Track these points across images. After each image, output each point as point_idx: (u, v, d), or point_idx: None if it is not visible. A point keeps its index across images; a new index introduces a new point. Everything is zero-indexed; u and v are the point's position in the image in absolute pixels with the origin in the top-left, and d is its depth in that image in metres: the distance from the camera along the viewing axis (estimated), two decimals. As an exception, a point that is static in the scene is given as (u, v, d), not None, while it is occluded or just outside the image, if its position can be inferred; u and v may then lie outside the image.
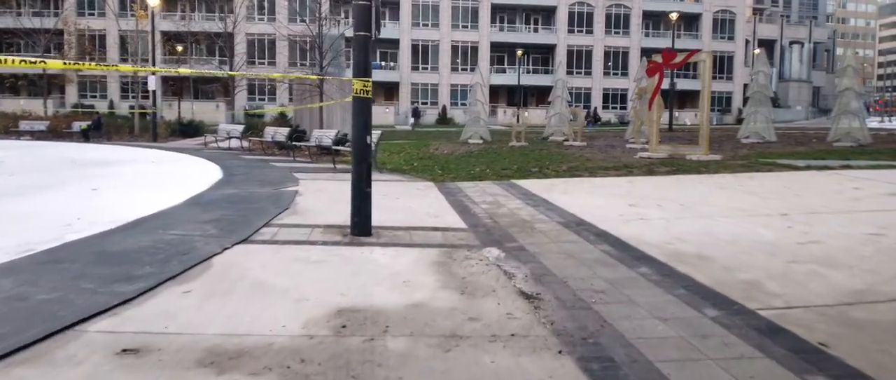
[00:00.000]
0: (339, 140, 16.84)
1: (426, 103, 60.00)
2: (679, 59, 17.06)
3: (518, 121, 27.63)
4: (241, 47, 54.77)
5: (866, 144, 22.45)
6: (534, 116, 54.43)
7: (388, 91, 60.77)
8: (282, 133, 22.03)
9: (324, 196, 9.91)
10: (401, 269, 5.42)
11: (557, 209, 8.65)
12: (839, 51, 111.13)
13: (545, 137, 29.91)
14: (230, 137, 24.78)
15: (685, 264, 5.61)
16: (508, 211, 8.56)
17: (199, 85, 62.54)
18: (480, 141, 28.13)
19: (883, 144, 22.39)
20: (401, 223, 7.56)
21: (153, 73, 33.10)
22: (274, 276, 5.15)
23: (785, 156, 18.21)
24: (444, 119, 57.94)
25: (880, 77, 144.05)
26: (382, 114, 56.70)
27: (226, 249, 6.07)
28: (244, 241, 6.47)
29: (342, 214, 7.48)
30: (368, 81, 6.61)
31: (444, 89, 59.81)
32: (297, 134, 21.90)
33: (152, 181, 12.85)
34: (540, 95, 60.19)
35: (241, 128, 25.83)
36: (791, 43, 72.17)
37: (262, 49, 58.63)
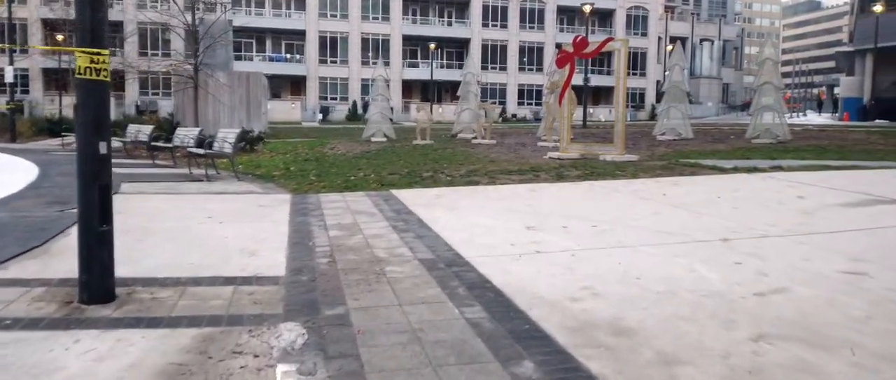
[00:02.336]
0: (201, 141, 14.07)
1: (335, 98, 57.00)
2: (592, 47, 15.17)
3: (423, 117, 25.33)
4: (132, 37, 50.43)
5: (786, 140, 21.36)
6: (448, 111, 52.34)
7: (295, 85, 57.40)
8: (145, 132, 18.91)
9: (133, 223, 7.25)
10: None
11: (430, 236, 6.37)
12: (748, 49, 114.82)
13: (454, 135, 27.78)
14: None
15: (598, 349, 3.42)
16: (362, 242, 6.20)
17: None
18: (384, 139, 25.75)
19: (803, 141, 21.34)
20: (185, 270, 5.07)
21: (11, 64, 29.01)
22: None
23: (706, 155, 16.65)
24: (354, 115, 55.09)
25: (785, 75, 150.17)
26: (288, 110, 53.42)
27: None
28: None
29: (127, 258, 4.92)
30: (102, 56, 4.08)
31: (355, 84, 56.94)
32: (166, 134, 18.91)
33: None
34: (454, 91, 58.03)
35: (103, 125, 22.42)
36: (701, 40, 73.04)
37: (155, 39, 54.14)
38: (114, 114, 48.64)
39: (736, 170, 12.21)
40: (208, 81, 24.09)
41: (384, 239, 6.28)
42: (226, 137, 12.95)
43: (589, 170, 12.56)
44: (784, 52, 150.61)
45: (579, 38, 15.19)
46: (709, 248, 5.86)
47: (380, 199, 8.99)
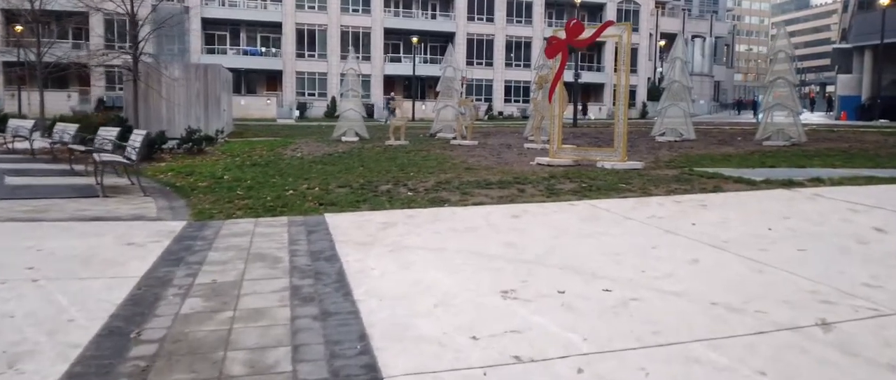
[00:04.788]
0: (82, 138, 11.49)
1: (313, 94, 54.25)
2: (588, 33, 12.71)
3: (398, 114, 22.81)
4: (98, 29, 47.41)
5: (801, 142, 19.05)
6: (431, 109, 49.74)
7: (271, 80, 54.57)
8: (70, 131, 16.23)
9: None
10: None
11: (344, 315, 3.89)
12: (738, 47, 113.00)
13: (433, 134, 25.29)
14: (17, 136, 18.69)
15: None
16: (224, 329, 3.70)
17: (52, 72, 54.17)
18: (356, 139, 23.28)
19: (819, 144, 19.03)
20: None
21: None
22: None
23: (718, 161, 14.27)
24: (333, 112, 52.31)
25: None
26: (263, 106, 50.56)
27: None
28: None
29: None
30: None
31: (334, 79, 54.07)
32: (90, 134, 16.27)
33: None
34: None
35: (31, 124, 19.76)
36: (693, 37, 70.87)
37: (122, 30, 51.10)
38: (71, 110, 45.70)
39: (768, 183, 9.80)
40: (153, 74, 21.46)
41: (264, 321, 3.79)
42: (135, 140, 10.40)
43: (586, 182, 10.11)
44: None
45: (574, 21, 12.71)
46: (809, 342, 3.42)
47: (303, 230, 6.48)
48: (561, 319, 3.81)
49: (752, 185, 9.72)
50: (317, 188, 9.92)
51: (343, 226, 6.61)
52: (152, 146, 16.75)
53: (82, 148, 13.64)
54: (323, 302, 4.14)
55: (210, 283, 4.64)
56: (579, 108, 45.85)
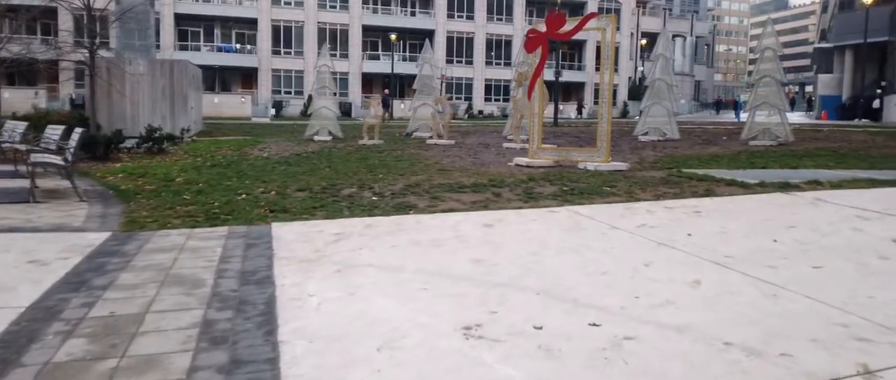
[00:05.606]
0: (30, 137, 10.52)
1: (290, 92, 53.05)
2: (570, 25, 11.92)
3: (371, 112, 21.91)
4: (69, 24, 45.89)
5: (788, 142, 18.44)
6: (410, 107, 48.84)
7: (246, 78, 53.30)
8: (19, 130, 15.13)
9: None
10: None
11: (249, 371, 3.02)
12: (717, 47, 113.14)
13: (409, 133, 24.39)
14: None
15: None
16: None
17: (17, 68, 52.42)
18: (329, 138, 22.34)
19: (806, 143, 18.44)
20: None
21: None
22: None
23: (706, 162, 13.57)
24: (309, 110, 51.23)
25: (751, 73, 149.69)
26: (238, 104, 49.16)
27: None
28: None
29: None
30: None
31: (311, 77, 52.60)
32: (41, 136, 15.21)
33: None
34: (418, 85, 54.65)
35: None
36: (674, 36, 70.53)
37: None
38: (33, 107, 44.21)
39: (763, 187, 9.07)
40: (116, 70, 20.38)
41: (152, 374, 2.92)
42: (73, 140, 9.42)
43: (568, 185, 9.31)
44: (752, 50, 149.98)
45: (555, 13, 11.90)
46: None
47: (242, 243, 5.60)
48: (537, 370, 2.98)
49: (746, 188, 8.98)
50: (273, 192, 9.03)
51: (289, 238, 5.73)
52: (109, 146, 15.77)
53: (25, 147, 12.63)
54: (237, 345, 3.28)
55: (106, 316, 3.75)
56: (561, 107, 45.24)
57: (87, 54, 17.84)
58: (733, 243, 5.56)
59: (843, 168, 12.15)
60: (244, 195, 8.76)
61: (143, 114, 22.83)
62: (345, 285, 4.31)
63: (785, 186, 9.01)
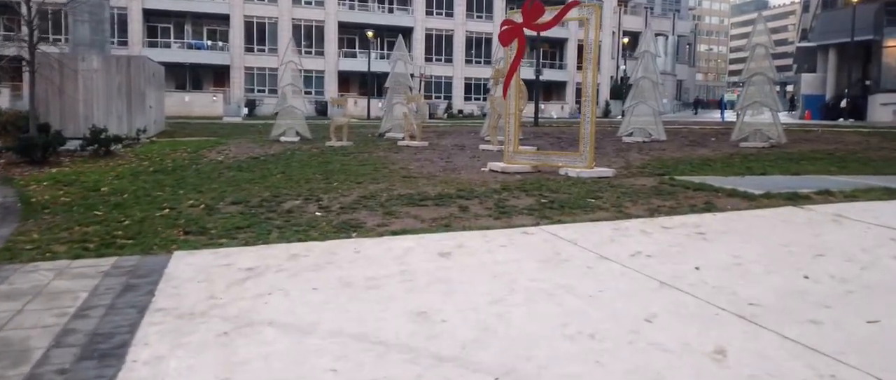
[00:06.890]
0: None
1: (263, 91, 51.37)
2: (549, 15, 10.69)
3: (339, 112, 20.58)
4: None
5: (780, 144, 17.38)
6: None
7: (218, 76, 51.53)
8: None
9: None
10: None
11: None
12: (698, 47, 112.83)
13: (381, 134, 23.07)
14: None
15: None
16: None
17: (-21, 66, 50.33)
18: (296, 139, 20.99)
19: (800, 145, 17.38)
20: None
21: None
22: None
23: (698, 167, 12.40)
24: (284, 110, 49.60)
25: (732, 73, 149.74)
26: (209, 103, 47.49)
27: None
28: None
29: None
30: None
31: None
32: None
33: None
34: (396, 84, 53.17)
35: None
36: (656, 35, 69.77)
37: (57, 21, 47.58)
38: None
39: (769, 198, 7.88)
40: (68, 67, 18.89)
41: None
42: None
43: (546, 195, 8.07)
44: (732, 50, 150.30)
45: (532, 2, 10.66)
46: None
47: (121, 283, 4.27)
48: None
49: (751, 200, 7.78)
50: (202, 205, 7.69)
51: (184, 276, 4.41)
52: (47, 149, 14.37)
53: None
54: None
55: None
56: (542, 107, 44.08)
57: (27, 49, 16.32)
58: (755, 282, 4.32)
59: (849, 174, 11.04)
60: (167, 210, 7.41)
61: (97, 113, 21.28)
62: (223, 362, 3.00)
63: (794, 198, 7.83)
